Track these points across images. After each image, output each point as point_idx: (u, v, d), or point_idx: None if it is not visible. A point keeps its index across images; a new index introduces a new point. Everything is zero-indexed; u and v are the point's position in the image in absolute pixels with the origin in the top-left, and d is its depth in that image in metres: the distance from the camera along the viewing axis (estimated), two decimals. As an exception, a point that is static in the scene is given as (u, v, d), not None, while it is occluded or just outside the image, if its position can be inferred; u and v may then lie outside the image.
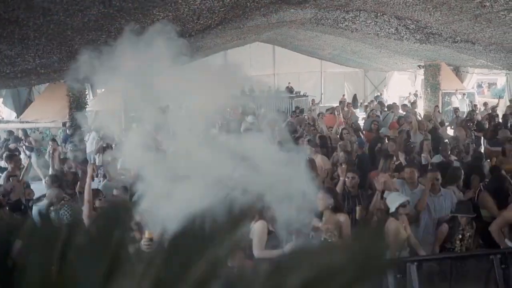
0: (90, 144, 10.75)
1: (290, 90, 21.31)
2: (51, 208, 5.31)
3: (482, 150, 8.58)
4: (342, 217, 4.20)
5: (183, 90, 3.05)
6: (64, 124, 10.52)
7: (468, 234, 4.69)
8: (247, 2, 6.64)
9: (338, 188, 5.46)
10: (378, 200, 4.82)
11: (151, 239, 3.30)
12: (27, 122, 10.51)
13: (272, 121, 10.49)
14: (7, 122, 10.83)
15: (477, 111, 14.46)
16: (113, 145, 9.07)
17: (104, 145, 8.95)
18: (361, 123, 13.45)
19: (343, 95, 21.36)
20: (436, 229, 5.19)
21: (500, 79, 18.68)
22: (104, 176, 6.91)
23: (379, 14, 10.37)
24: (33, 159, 10.19)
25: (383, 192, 5.69)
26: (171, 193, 3.58)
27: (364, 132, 10.36)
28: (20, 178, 6.56)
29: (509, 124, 10.66)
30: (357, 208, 5.15)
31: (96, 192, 4.78)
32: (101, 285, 0.70)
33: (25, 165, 7.89)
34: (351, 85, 23.68)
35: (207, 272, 0.69)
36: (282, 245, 4.05)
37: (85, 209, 4.32)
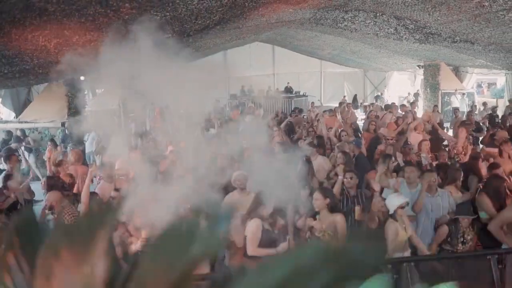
0: (90, 144, 10.75)
1: (289, 90, 21.32)
2: (51, 211, 5.30)
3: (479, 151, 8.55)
4: (338, 217, 4.19)
5: (171, 90, 3.05)
6: (63, 124, 10.52)
7: (469, 237, 4.68)
8: (245, 2, 6.63)
9: (336, 189, 5.45)
10: (378, 202, 4.80)
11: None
12: (26, 122, 10.51)
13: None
14: (6, 122, 10.83)
15: (476, 111, 14.45)
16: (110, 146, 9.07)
17: (105, 146, 8.94)
18: (361, 123, 13.44)
19: (344, 96, 21.35)
20: (434, 229, 5.19)
21: (500, 79, 18.68)
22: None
23: (378, 14, 10.37)
24: (32, 159, 10.19)
25: (381, 190, 5.70)
26: (161, 194, 3.60)
27: (362, 132, 10.34)
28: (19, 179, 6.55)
29: (507, 124, 10.64)
30: (356, 208, 5.15)
31: (93, 195, 4.77)
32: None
33: (23, 165, 7.90)
34: (350, 85, 23.67)
35: (185, 272, 0.70)
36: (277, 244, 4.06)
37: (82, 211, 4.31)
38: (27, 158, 9.87)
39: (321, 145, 7.70)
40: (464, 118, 11.87)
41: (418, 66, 16.75)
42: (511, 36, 9.50)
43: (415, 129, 8.60)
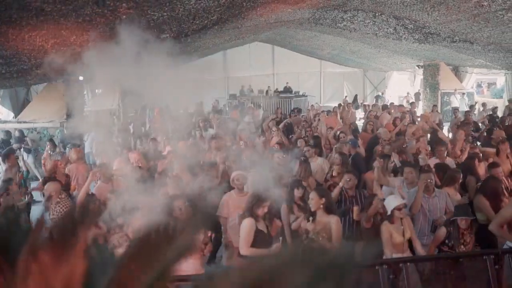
0: (89, 144, 10.75)
1: (288, 90, 21.31)
2: (49, 202, 5.31)
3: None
4: (333, 219, 4.16)
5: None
6: (62, 124, 10.52)
7: (468, 239, 4.66)
8: (243, 2, 6.62)
9: (335, 194, 5.43)
10: (377, 203, 4.79)
11: None
12: (25, 122, 10.51)
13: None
14: (5, 122, 10.83)
15: (475, 112, 14.42)
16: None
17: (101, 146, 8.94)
18: (360, 123, 13.41)
19: (345, 96, 21.36)
20: (432, 230, 5.18)
21: (500, 79, 18.66)
22: None
23: (377, 14, 10.36)
24: (31, 159, 10.19)
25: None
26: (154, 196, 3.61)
27: (360, 132, 10.33)
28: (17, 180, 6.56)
29: (506, 124, 10.61)
30: (355, 208, 5.14)
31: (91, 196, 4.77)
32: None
33: (22, 166, 7.91)
34: (350, 85, 23.65)
35: (159, 273, 0.71)
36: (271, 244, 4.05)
37: None
38: (26, 159, 9.87)
39: (317, 145, 7.69)
40: (462, 118, 11.84)
41: (418, 66, 16.73)
42: (510, 36, 9.48)
43: (413, 134, 8.59)
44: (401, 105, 15.04)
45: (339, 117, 13.02)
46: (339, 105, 17.12)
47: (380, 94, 22.06)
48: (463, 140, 7.96)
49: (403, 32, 11.54)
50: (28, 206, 6.56)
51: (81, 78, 9.81)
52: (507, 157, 7.17)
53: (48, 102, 10.40)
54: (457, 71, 17.32)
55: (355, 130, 10.74)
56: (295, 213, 4.90)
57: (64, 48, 5.82)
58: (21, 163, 8.39)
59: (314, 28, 13.78)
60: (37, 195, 7.69)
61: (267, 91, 21.30)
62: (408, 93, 19.81)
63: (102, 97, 14.61)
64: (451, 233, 4.64)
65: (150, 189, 5.35)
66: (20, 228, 0.87)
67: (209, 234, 4.34)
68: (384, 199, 4.92)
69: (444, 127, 12.71)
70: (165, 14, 5.71)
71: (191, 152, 7.57)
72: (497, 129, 8.87)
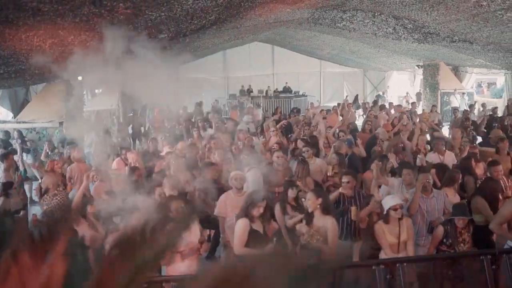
0: (89, 145, 10.75)
1: (287, 90, 21.29)
2: (46, 195, 5.32)
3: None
4: (329, 221, 4.12)
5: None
6: (61, 124, 10.52)
7: (466, 238, 4.64)
8: (241, 2, 6.61)
9: (333, 197, 5.42)
10: (374, 204, 4.78)
11: None
12: (24, 122, 10.50)
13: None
14: (4, 122, 10.82)
15: (474, 111, 14.40)
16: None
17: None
18: (360, 123, 13.40)
19: (346, 96, 21.35)
20: (429, 231, 5.16)
21: (500, 79, 18.63)
22: None
23: (376, 14, 10.35)
24: (30, 160, 10.18)
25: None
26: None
27: (358, 132, 10.31)
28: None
29: (506, 123, 10.61)
30: (352, 208, 5.13)
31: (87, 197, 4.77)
32: None
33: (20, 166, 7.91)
34: (350, 85, 23.63)
35: (135, 272, 0.72)
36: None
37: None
38: (25, 159, 9.86)
39: (314, 145, 7.68)
40: (460, 116, 11.82)
41: (417, 66, 16.71)
42: (509, 35, 9.47)
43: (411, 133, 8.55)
44: (399, 105, 15.02)
45: (339, 116, 12.99)
46: (339, 104, 17.12)
47: (381, 94, 22.03)
48: (461, 138, 7.95)
49: (402, 32, 11.53)
50: (24, 207, 6.57)
51: (80, 78, 9.81)
52: (508, 154, 7.16)
53: (47, 102, 10.40)
54: (457, 71, 17.29)
55: (354, 130, 10.73)
56: (289, 213, 4.89)
57: (62, 48, 5.82)
58: (19, 163, 8.39)
59: (314, 28, 13.77)
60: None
61: (267, 91, 21.29)
62: (407, 93, 19.78)
63: (102, 97, 14.63)
64: (449, 232, 4.63)
65: (147, 190, 5.36)
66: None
67: (207, 233, 4.35)
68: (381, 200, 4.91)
69: (444, 127, 12.70)
70: (162, 14, 5.71)
71: (190, 152, 7.58)
72: (496, 128, 8.86)
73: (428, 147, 8.44)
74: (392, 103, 16.56)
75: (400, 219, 4.55)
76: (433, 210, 5.24)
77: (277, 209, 5.04)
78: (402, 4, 8.65)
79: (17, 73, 6.70)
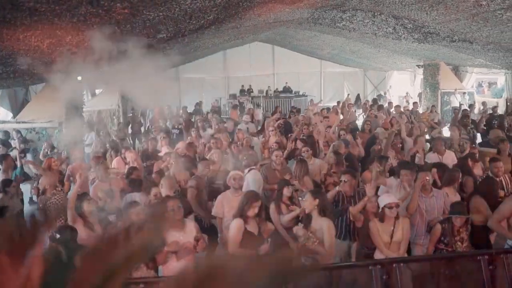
0: (89, 144, 10.77)
1: (287, 89, 21.28)
2: (44, 195, 5.32)
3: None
4: (325, 223, 4.09)
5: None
6: (60, 124, 10.52)
7: (465, 236, 4.63)
8: (239, 2, 6.60)
9: (330, 195, 5.41)
10: (370, 203, 4.77)
11: None
12: (23, 122, 10.51)
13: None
14: (3, 122, 10.83)
15: (474, 111, 14.37)
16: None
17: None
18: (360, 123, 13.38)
19: (348, 95, 21.34)
20: (428, 231, 5.15)
21: (501, 79, 18.59)
22: None
23: (376, 14, 10.34)
24: (30, 159, 10.18)
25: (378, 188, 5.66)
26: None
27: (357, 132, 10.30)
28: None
29: (505, 123, 10.59)
30: (350, 208, 5.12)
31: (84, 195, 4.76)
32: None
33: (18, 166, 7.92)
34: (350, 85, 23.61)
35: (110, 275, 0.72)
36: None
37: (68, 214, 4.29)
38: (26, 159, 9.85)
39: (311, 145, 7.67)
40: (460, 116, 11.79)
41: (418, 65, 16.69)
42: (509, 35, 9.45)
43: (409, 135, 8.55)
44: (398, 105, 15.01)
45: (339, 114, 12.97)
46: (339, 102, 17.09)
47: (382, 93, 22.01)
48: (459, 136, 7.94)
49: (402, 32, 11.51)
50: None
51: (79, 78, 9.82)
52: (509, 156, 7.15)
53: (47, 102, 10.39)
54: (457, 71, 17.27)
55: (354, 129, 10.71)
56: (283, 212, 4.88)
57: (60, 48, 5.83)
58: (17, 163, 8.40)
59: (314, 28, 13.76)
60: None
61: (267, 91, 21.28)
62: (407, 93, 19.76)
63: (102, 97, 14.64)
64: (446, 230, 4.62)
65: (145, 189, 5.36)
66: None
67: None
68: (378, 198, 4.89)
69: (444, 127, 12.68)
70: (160, 14, 5.70)
71: (188, 152, 7.59)
72: (495, 127, 8.84)
73: (428, 145, 8.43)
74: (391, 102, 16.54)
75: (396, 218, 4.54)
76: (433, 210, 5.23)
77: (272, 208, 5.04)
78: (402, 4, 8.64)
79: (16, 73, 6.71)
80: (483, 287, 3.72)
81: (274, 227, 4.71)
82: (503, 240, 4.91)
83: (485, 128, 10.39)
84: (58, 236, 3.81)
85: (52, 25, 4.79)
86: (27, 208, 7.27)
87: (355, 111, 16.06)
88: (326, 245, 3.97)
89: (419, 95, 18.75)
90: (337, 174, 6.19)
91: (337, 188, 5.43)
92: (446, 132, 11.86)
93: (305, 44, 18.88)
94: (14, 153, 8.85)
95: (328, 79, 23.76)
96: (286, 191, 5.06)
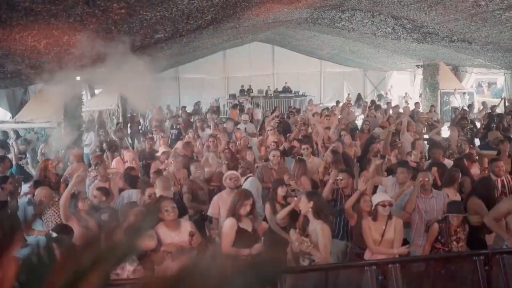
0: (88, 144, 10.78)
1: (287, 90, 21.27)
2: (41, 207, 5.32)
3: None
4: (319, 225, 4.07)
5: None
6: (59, 124, 10.52)
7: (462, 236, 4.61)
8: (237, 1, 6.60)
9: (326, 190, 5.40)
10: (364, 201, 4.76)
11: None
12: (22, 122, 10.51)
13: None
14: (2, 122, 10.83)
15: (474, 111, 14.35)
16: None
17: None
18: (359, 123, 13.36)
19: (349, 94, 21.32)
20: (426, 230, 5.14)
21: (500, 79, 18.58)
22: None
23: (375, 14, 10.33)
24: (29, 159, 10.18)
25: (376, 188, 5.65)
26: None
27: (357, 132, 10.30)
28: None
29: (505, 123, 10.58)
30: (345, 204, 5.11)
31: (80, 194, 4.77)
32: None
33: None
34: (350, 85, 23.61)
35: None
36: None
37: (62, 213, 4.29)
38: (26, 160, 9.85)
39: (308, 144, 7.66)
40: (458, 114, 11.80)
41: (417, 66, 16.68)
42: (508, 35, 9.44)
43: (407, 130, 8.55)
44: (396, 106, 15.00)
45: (338, 115, 12.96)
46: (337, 102, 17.07)
47: (382, 93, 21.99)
48: (458, 137, 7.94)
49: (401, 32, 11.51)
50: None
51: (78, 78, 9.82)
52: (509, 157, 7.14)
53: (45, 102, 10.39)
54: (456, 71, 17.26)
55: (354, 129, 10.71)
56: (278, 212, 4.88)
57: (57, 48, 5.82)
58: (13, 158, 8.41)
59: (313, 28, 13.76)
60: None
61: (266, 91, 21.28)
62: (406, 93, 19.75)
63: (101, 97, 14.64)
64: (443, 230, 4.61)
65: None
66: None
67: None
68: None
69: (443, 126, 12.67)
70: (158, 14, 5.70)
71: (185, 151, 7.60)
72: (494, 129, 8.84)
73: (426, 146, 8.43)
74: (390, 102, 16.53)
75: (389, 218, 4.52)
76: (432, 211, 5.18)
77: (267, 208, 5.03)
78: (400, 4, 8.63)
79: (13, 73, 6.71)
80: (479, 287, 3.71)
81: (267, 225, 4.71)
82: (502, 241, 4.90)
83: (484, 130, 10.37)
84: (54, 234, 3.82)
85: (48, 25, 4.78)
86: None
87: (354, 111, 16.05)
88: (321, 247, 3.94)
89: (421, 95, 18.76)
90: (334, 173, 6.17)
91: (331, 180, 5.41)
92: (445, 132, 11.87)
93: (305, 44, 18.88)
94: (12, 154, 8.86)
95: (327, 79, 23.76)
96: (281, 191, 5.05)
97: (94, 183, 6.42)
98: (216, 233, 5.02)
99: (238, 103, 18.41)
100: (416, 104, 15.02)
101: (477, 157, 7.14)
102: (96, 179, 6.57)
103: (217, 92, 21.61)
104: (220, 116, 15.97)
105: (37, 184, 5.81)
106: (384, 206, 4.45)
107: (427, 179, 5.28)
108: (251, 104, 18.62)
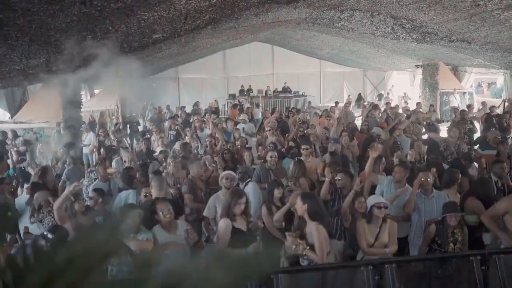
0: (87, 145, 10.77)
1: (286, 90, 21.27)
2: (40, 211, 5.31)
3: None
4: (314, 227, 4.05)
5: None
6: (58, 124, 10.54)
7: (459, 238, 4.59)
8: (235, 2, 6.60)
9: (323, 190, 5.39)
10: (359, 202, 4.75)
11: None
12: (21, 122, 10.53)
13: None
14: (1, 122, 10.85)
15: (474, 111, 14.33)
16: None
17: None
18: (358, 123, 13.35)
19: (349, 95, 21.30)
20: (425, 231, 5.12)
21: (500, 79, 18.59)
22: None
23: (374, 14, 10.33)
24: (28, 159, 10.19)
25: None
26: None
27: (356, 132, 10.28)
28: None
29: (505, 123, 10.56)
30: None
31: (77, 195, 4.75)
32: None
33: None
34: (350, 85, 23.61)
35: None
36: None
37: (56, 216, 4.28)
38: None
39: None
40: (458, 116, 11.77)
41: (417, 65, 16.69)
42: (507, 35, 9.44)
43: (404, 131, 8.55)
44: (395, 106, 14.99)
45: (336, 115, 12.95)
46: (336, 103, 17.07)
47: (383, 93, 21.98)
48: (457, 138, 7.92)
49: (401, 32, 11.51)
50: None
51: (77, 78, 9.81)
52: (508, 157, 7.11)
53: (44, 102, 10.41)
54: (456, 71, 17.27)
55: (354, 129, 10.70)
56: (274, 213, 4.87)
57: (56, 48, 5.82)
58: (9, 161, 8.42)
59: (312, 28, 13.76)
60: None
61: (266, 91, 21.29)
62: (405, 93, 19.74)
63: (100, 98, 14.66)
64: (440, 231, 4.59)
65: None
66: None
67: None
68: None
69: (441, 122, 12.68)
70: (155, 14, 5.70)
71: (183, 151, 7.60)
72: (493, 129, 8.82)
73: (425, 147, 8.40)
74: (389, 103, 16.52)
75: (384, 221, 4.49)
76: (432, 211, 5.14)
77: (264, 210, 5.02)
78: (399, 3, 8.63)
79: (11, 73, 6.71)
80: (476, 287, 3.70)
81: (262, 224, 4.70)
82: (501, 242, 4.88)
83: (483, 130, 10.36)
84: (50, 236, 3.82)
85: (45, 26, 4.78)
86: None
87: (353, 112, 16.05)
88: (316, 249, 3.93)
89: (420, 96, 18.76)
90: (333, 174, 6.16)
91: (327, 179, 5.40)
92: (444, 131, 11.85)
93: (304, 44, 18.88)
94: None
95: (327, 79, 23.76)
96: (277, 192, 5.04)
97: (94, 183, 6.44)
98: (213, 233, 5.04)
99: (238, 103, 18.41)
100: (418, 104, 15.01)
101: (476, 157, 7.12)
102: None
103: (216, 92, 21.62)
104: (220, 116, 15.98)
105: (34, 186, 5.81)
106: (379, 208, 4.43)
107: (428, 179, 5.25)
108: (250, 104, 18.62)
